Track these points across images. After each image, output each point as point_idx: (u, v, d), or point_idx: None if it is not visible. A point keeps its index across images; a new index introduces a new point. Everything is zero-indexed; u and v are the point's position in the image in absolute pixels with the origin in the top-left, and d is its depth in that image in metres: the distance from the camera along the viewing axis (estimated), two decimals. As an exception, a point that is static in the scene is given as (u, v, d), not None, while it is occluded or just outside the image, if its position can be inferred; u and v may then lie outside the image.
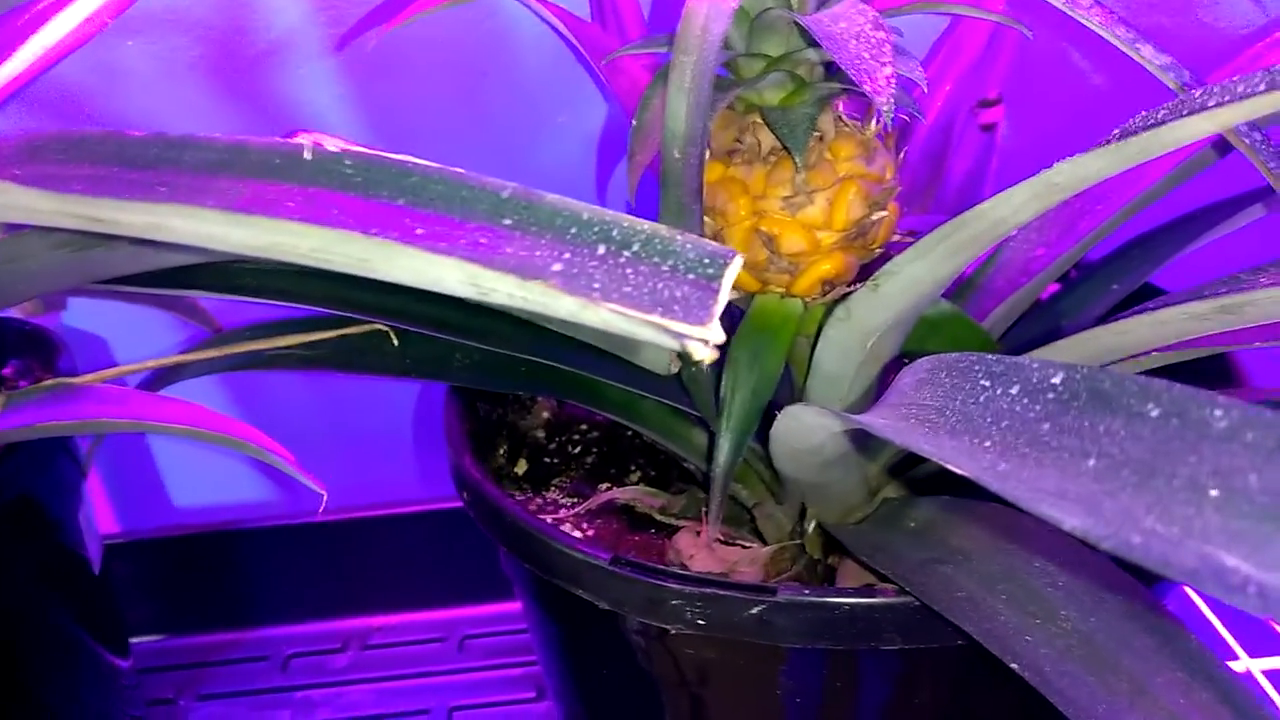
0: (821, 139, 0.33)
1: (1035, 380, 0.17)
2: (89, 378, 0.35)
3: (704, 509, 0.36)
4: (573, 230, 0.17)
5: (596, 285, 0.16)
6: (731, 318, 0.37)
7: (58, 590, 0.41)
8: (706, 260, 0.16)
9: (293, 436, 0.60)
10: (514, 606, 0.62)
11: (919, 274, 0.27)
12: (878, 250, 0.35)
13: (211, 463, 0.61)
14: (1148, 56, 0.26)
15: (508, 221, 0.17)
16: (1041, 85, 0.52)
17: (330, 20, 0.50)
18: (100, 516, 0.62)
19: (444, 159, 0.53)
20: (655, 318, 0.15)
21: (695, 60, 0.29)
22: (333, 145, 0.49)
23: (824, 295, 0.34)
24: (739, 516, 0.37)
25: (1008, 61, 0.47)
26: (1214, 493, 0.13)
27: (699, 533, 0.35)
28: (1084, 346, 0.26)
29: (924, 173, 0.43)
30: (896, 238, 0.35)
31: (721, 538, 0.35)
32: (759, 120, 0.33)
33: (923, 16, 0.35)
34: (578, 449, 0.42)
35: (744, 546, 0.34)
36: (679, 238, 0.16)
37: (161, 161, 0.20)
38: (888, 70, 0.25)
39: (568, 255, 0.16)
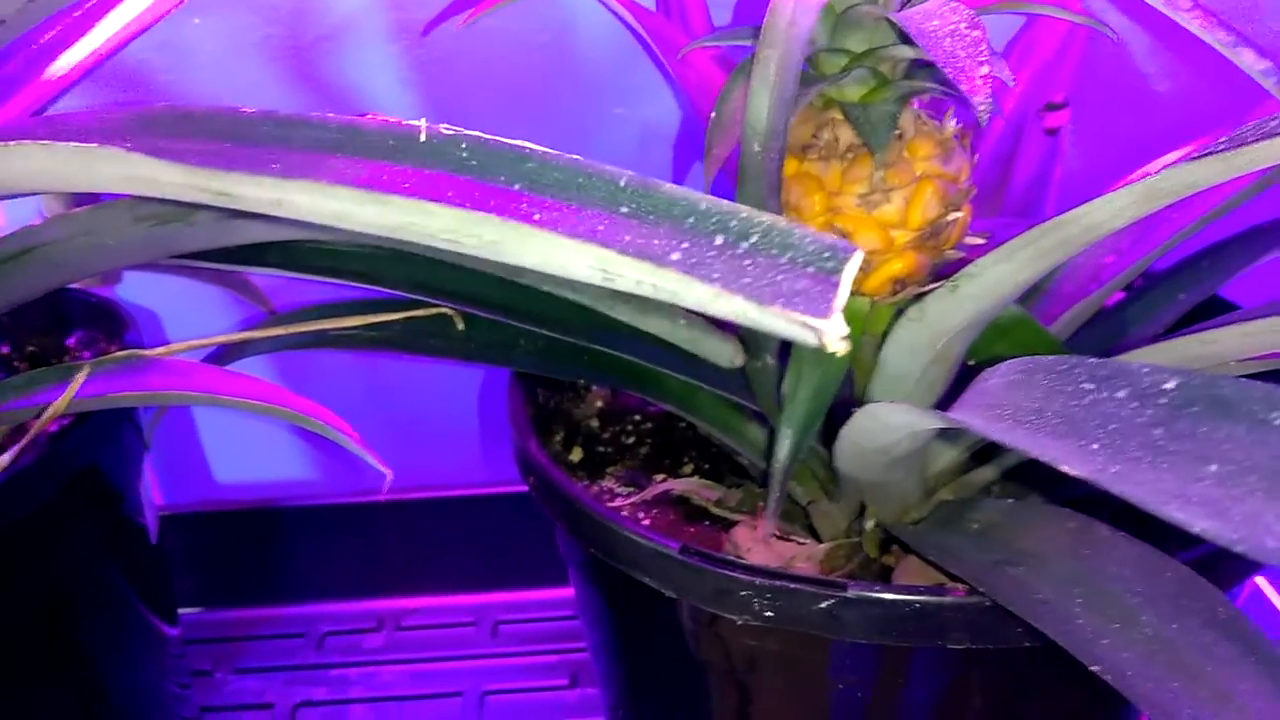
0: (900, 137, 0.33)
1: (1146, 385, 0.17)
2: (159, 351, 0.36)
3: (760, 504, 0.37)
4: (690, 220, 0.17)
5: (716, 275, 0.16)
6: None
7: (117, 558, 0.41)
8: (826, 253, 0.16)
9: (340, 411, 0.61)
10: (548, 593, 0.63)
11: (1001, 276, 0.27)
12: (949, 251, 0.35)
13: (255, 439, 0.62)
14: (1249, 62, 0.26)
15: (624, 209, 0.17)
16: (1106, 91, 0.51)
17: (395, 5, 0.50)
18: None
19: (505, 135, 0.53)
20: (780, 309, 0.15)
21: (780, 54, 0.29)
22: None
23: (893, 294, 0.34)
24: (793, 513, 0.37)
25: (1074, 66, 0.46)
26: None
27: (755, 527, 0.35)
28: (1161, 355, 0.26)
29: (992, 175, 0.43)
30: (969, 239, 0.35)
31: (778, 533, 0.35)
32: (838, 116, 0.33)
33: (996, 17, 0.35)
34: (631, 439, 0.42)
35: (800, 542, 0.34)
36: (797, 231, 0.17)
37: (273, 139, 0.20)
38: (984, 70, 0.25)
39: (686, 245, 0.17)
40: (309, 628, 0.62)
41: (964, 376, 0.36)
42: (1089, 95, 0.48)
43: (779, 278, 0.16)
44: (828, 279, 0.16)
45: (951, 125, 0.34)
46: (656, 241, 0.17)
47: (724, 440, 0.38)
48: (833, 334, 0.15)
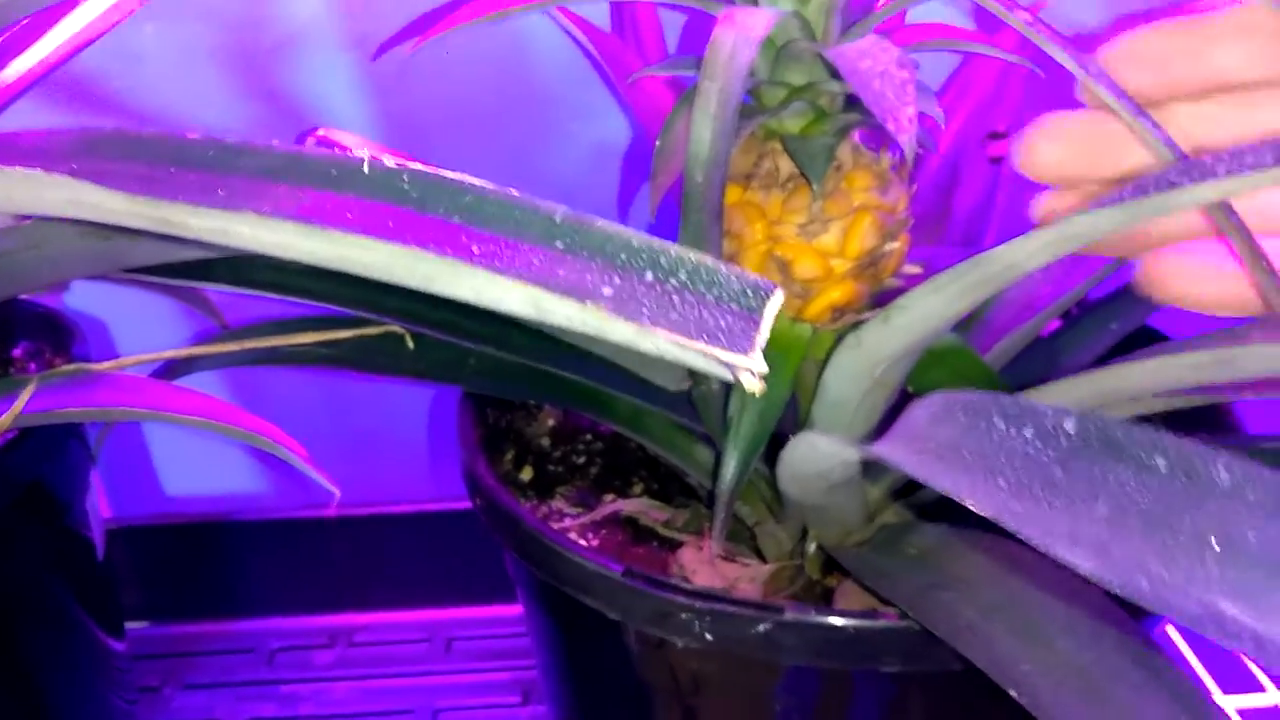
0: (839, 168, 0.34)
1: (1049, 425, 0.18)
2: (107, 365, 0.36)
3: (707, 525, 0.37)
4: (622, 256, 0.18)
5: (645, 311, 0.17)
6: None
7: (62, 573, 0.41)
8: (749, 292, 0.17)
9: (288, 426, 0.61)
10: (501, 610, 0.63)
11: (931, 309, 0.28)
12: (888, 280, 0.36)
13: (205, 452, 0.61)
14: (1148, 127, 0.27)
15: (559, 244, 0.18)
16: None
17: (349, 15, 0.51)
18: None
19: (457, 159, 0.54)
20: (703, 345, 0.16)
21: (721, 87, 0.30)
22: (350, 142, 0.49)
23: (833, 321, 0.35)
24: (739, 533, 0.38)
25: (1017, 96, 0.48)
26: (1216, 546, 0.14)
27: (701, 548, 0.36)
28: (1084, 388, 0.27)
29: (932, 204, 0.44)
30: (907, 268, 0.36)
31: (723, 554, 0.35)
32: (778, 147, 0.34)
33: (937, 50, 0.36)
34: (582, 459, 0.42)
35: (745, 564, 0.35)
36: (723, 269, 0.17)
37: (218, 165, 0.21)
38: (910, 110, 0.25)
39: (618, 280, 0.17)
40: (259, 643, 0.62)
41: (903, 401, 0.38)
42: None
43: (704, 314, 0.17)
44: (749, 316, 0.17)
45: (889, 157, 0.35)
46: (590, 277, 0.17)
47: (672, 460, 0.39)
48: (752, 371, 0.16)
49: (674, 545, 0.37)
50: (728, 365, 0.15)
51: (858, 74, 0.27)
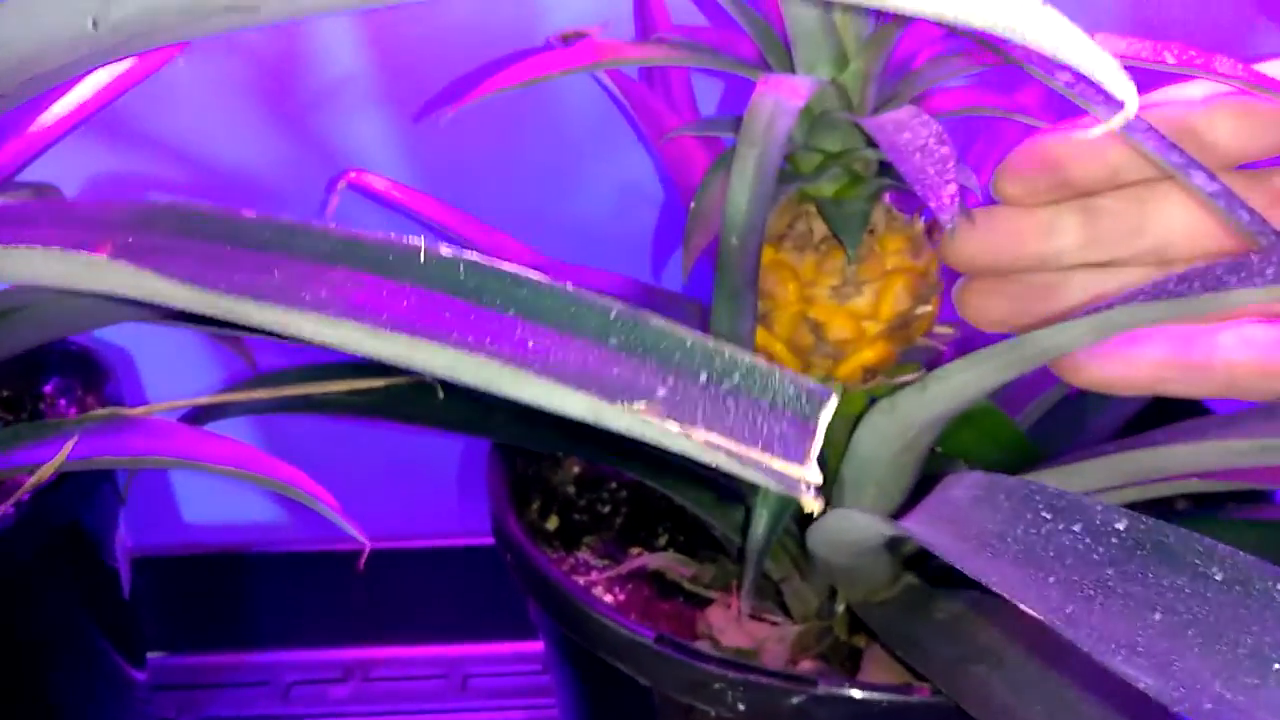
0: (872, 232, 0.34)
1: (1099, 522, 0.18)
2: (140, 410, 0.36)
3: (734, 580, 0.37)
4: (677, 356, 0.18)
5: (700, 415, 0.17)
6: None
7: (91, 608, 0.41)
8: (804, 397, 0.17)
9: (309, 466, 0.61)
10: (518, 647, 0.63)
11: (967, 382, 0.28)
12: (919, 340, 0.36)
13: (225, 482, 0.61)
14: (1200, 184, 0.27)
15: (613, 341, 0.18)
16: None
17: (385, 56, 0.51)
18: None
19: (487, 200, 0.54)
20: (758, 454, 0.16)
21: (759, 153, 0.30)
22: (381, 186, 0.50)
23: (864, 382, 0.35)
24: (765, 589, 0.38)
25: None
26: (1278, 665, 0.14)
27: (729, 605, 0.36)
28: (1124, 465, 0.27)
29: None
30: (938, 329, 0.37)
31: (751, 612, 0.35)
32: (812, 209, 0.35)
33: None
34: (607, 507, 0.42)
35: (773, 623, 0.35)
36: (778, 372, 0.17)
37: (273, 245, 0.21)
38: (951, 188, 0.26)
39: (671, 380, 0.17)
40: (275, 676, 0.62)
41: (931, 460, 0.38)
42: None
43: (759, 420, 0.17)
44: (804, 423, 0.17)
45: (921, 220, 0.35)
46: (644, 378, 0.17)
47: (697, 513, 0.39)
48: (812, 481, 0.16)
49: (700, 601, 0.37)
50: (780, 475, 0.15)
51: (897, 148, 0.27)
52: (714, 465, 0.16)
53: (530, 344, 0.18)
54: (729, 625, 0.34)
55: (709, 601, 0.36)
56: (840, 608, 0.35)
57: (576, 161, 0.54)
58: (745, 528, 0.35)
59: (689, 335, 0.18)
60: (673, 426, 0.16)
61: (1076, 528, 0.18)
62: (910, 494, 0.36)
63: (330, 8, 0.23)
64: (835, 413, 0.37)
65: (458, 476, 0.62)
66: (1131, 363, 0.30)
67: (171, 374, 0.58)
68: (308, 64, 0.52)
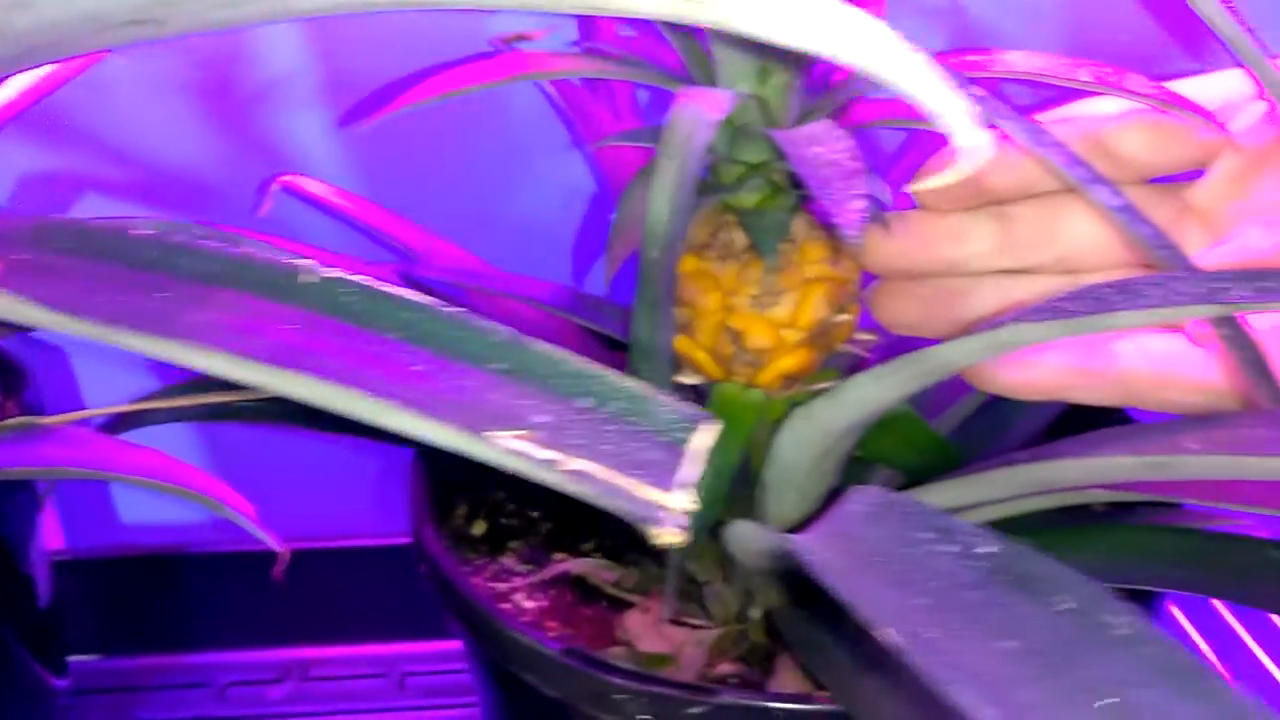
0: (792, 241, 0.34)
1: (970, 545, 0.18)
2: (56, 419, 0.36)
3: (656, 585, 0.38)
4: (558, 381, 0.18)
5: (576, 441, 0.17)
6: (696, 403, 0.39)
7: (4, 617, 0.41)
8: (682, 424, 0.17)
9: (244, 464, 0.60)
10: (456, 645, 0.63)
11: (874, 394, 0.28)
12: (841, 347, 0.36)
13: (162, 481, 0.61)
14: (1102, 198, 0.27)
15: (495, 366, 0.18)
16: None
17: (325, 56, 0.50)
18: (47, 532, 0.61)
19: (429, 203, 0.54)
20: (627, 481, 0.16)
21: (678, 166, 0.30)
22: (315, 189, 0.49)
23: (785, 389, 0.36)
24: (690, 592, 0.38)
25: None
26: (1103, 701, 0.15)
27: (649, 610, 0.36)
28: (1027, 475, 0.28)
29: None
30: (859, 335, 0.37)
31: (671, 617, 0.36)
32: (734, 219, 0.35)
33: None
34: (536, 511, 0.42)
35: (692, 627, 0.35)
36: (657, 399, 0.18)
37: (161, 265, 0.21)
38: (857, 203, 0.26)
39: (551, 406, 0.17)
40: (211, 677, 0.61)
41: (853, 465, 0.38)
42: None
43: (634, 446, 0.17)
44: (678, 450, 0.17)
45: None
46: (524, 402, 0.17)
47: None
48: (679, 508, 0.16)
49: (624, 605, 0.37)
50: (644, 503, 0.16)
51: (805, 162, 0.28)
52: (579, 497, 0.16)
53: (413, 368, 0.18)
54: (647, 631, 0.34)
55: (632, 606, 0.36)
56: (757, 613, 0.35)
57: (523, 163, 0.54)
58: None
59: (572, 360, 0.18)
60: (548, 455, 0.16)
61: (953, 549, 0.19)
62: (829, 498, 0.36)
63: (242, 21, 0.23)
64: (758, 418, 0.37)
65: (398, 474, 0.62)
66: (1035, 369, 0.31)
67: (108, 374, 0.57)
68: (249, 61, 0.51)
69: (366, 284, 0.19)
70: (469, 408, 0.17)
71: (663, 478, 0.16)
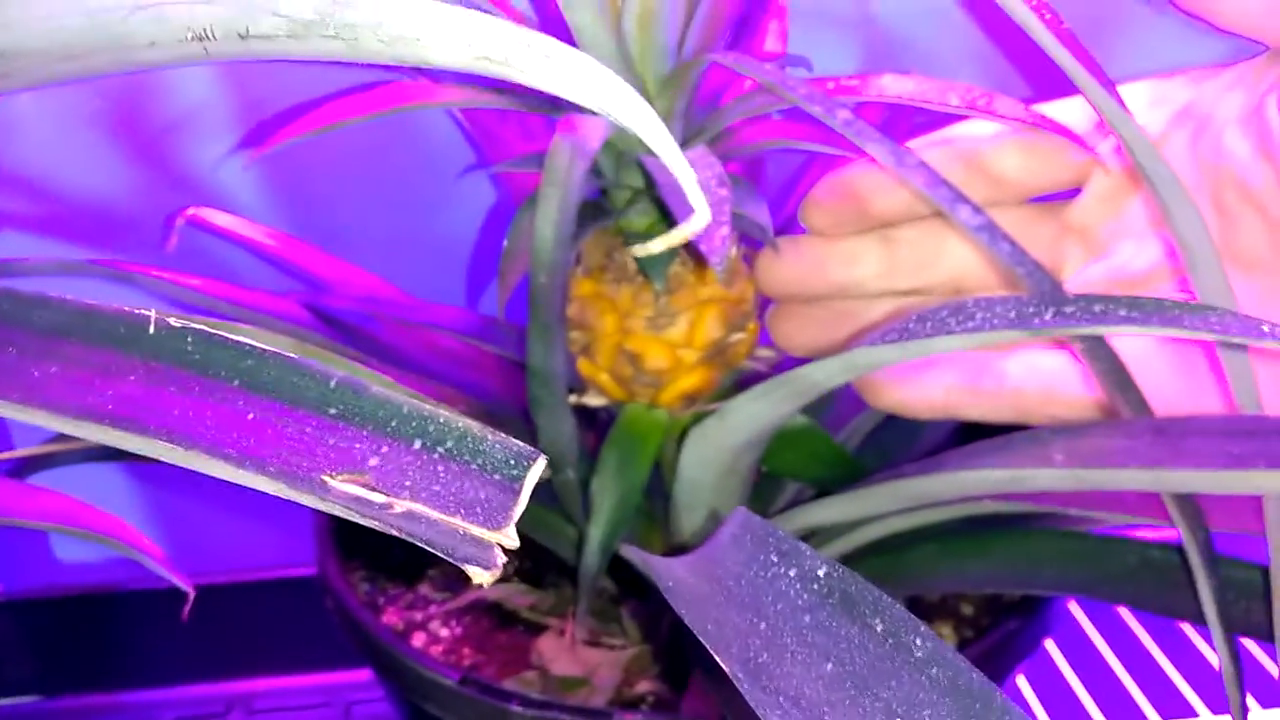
0: (685, 264, 0.35)
1: (808, 568, 0.19)
2: (-43, 467, 0.35)
3: (572, 608, 0.38)
4: (393, 423, 0.18)
5: (408, 482, 0.17)
6: (603, 424, 0.39)
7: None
8: (512, 461, 0.18)
9: (179, 495, 0.60)
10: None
11: (757, 411, 0.29)
12: (743, 364, 0.37)
13: (99, 519, 0.60)
14: (964, 219, 0.28)
15: (333, 410, 0.18)
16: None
17: (237, 84, 0.50)
18: (-22, 575, 0.61)
19: (347, 228, 0.53)
20: (459, 522, 0.16)
21: (560, 194, 0.31)
22: (223, 222, 0.49)
23: (687, 407, 0.36)
24: (608, 611, 0.39)
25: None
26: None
27: (564, 632, 0.36)
28: (911, 489, 0.29)
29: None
30: (760, 352, 0.38)
31: (588, 638, 0.36)
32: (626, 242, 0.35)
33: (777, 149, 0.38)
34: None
35: (608, 647, 0.36)
36: (489, 437, 0.18)
37: (12, 319, 0.21)
38: (724, 231, 0.26)
39: (385, 449, 0.18)
40: (154, 714, 0.61)
41: (763, 481, 0.39)
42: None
43: (466, 485, 0.17)
44: (510, 486, 0.17)
45: (736, 249, 0.36)
46: (359, 445, 0.18)
47: (539, 539, 0.39)
48: (507, 545, 0.16)
49: (541, 629, 0.38)
50: (474, 541, 0.16)
51: (671, 189, 0.28)
52: (410, 539, 0.16)
53: (250, 415, 0.18)
54: (561, 654, 0.35)
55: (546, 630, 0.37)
56: (666, 631, 0.35)
57: (438, 186, 0.54)
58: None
59: (406, 403, 0.18)
60: (379, 498, 0.17)
61: (793, 572, 0.19)
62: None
63: (84, 74, 0.23)
64: (665, 436, 0.38)
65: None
66: (925, 387, 0.32)
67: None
68: (161, 93, 0.51)
69: (209, 332, 0.20)
70: (304, 454, 0.17)
71: (492, 516, 0.17)
